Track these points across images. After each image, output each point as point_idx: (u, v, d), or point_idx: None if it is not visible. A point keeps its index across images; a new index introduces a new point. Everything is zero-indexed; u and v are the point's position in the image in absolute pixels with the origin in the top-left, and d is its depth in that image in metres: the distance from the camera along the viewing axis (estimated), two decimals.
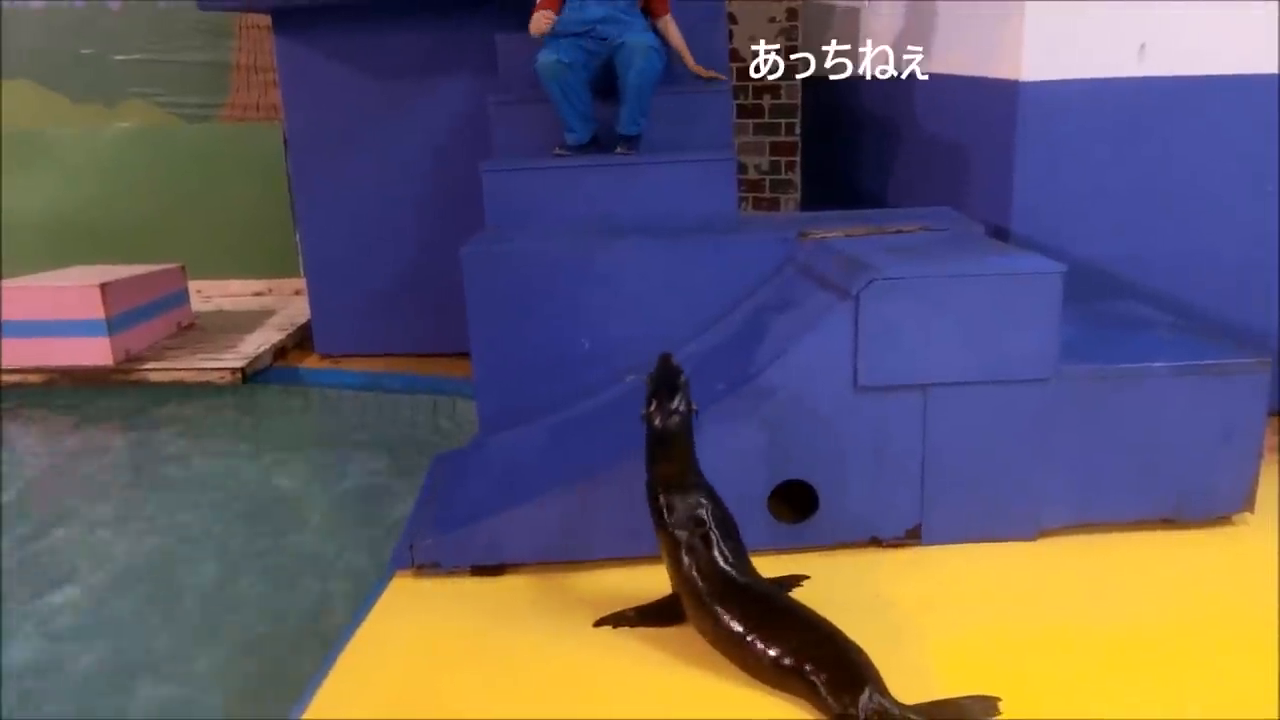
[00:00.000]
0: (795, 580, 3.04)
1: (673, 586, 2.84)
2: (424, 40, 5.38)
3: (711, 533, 2.74)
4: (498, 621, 2.98)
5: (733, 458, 3.17)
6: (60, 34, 7.29)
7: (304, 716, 2.55)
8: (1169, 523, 3.34)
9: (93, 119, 7.44)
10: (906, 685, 2.44)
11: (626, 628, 2.90)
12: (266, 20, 6.05)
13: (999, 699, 2.43)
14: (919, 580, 3.12)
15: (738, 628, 2.63)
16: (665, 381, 2.79)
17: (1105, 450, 3.26)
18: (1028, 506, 3.29)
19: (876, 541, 3.31)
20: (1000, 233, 4.03)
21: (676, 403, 2.76)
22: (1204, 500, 3.33)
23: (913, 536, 3.30)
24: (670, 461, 2.78)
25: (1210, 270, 4.05)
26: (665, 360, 2.86)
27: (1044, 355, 3.16)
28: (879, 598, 3.01)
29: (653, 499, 2.81)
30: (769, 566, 3.14)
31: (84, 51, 7.32)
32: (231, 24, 7.13)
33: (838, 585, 3.07)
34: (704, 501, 2.78)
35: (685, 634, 2.81)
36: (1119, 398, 3.22)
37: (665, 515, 2.77)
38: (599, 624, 2.92)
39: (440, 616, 3.03)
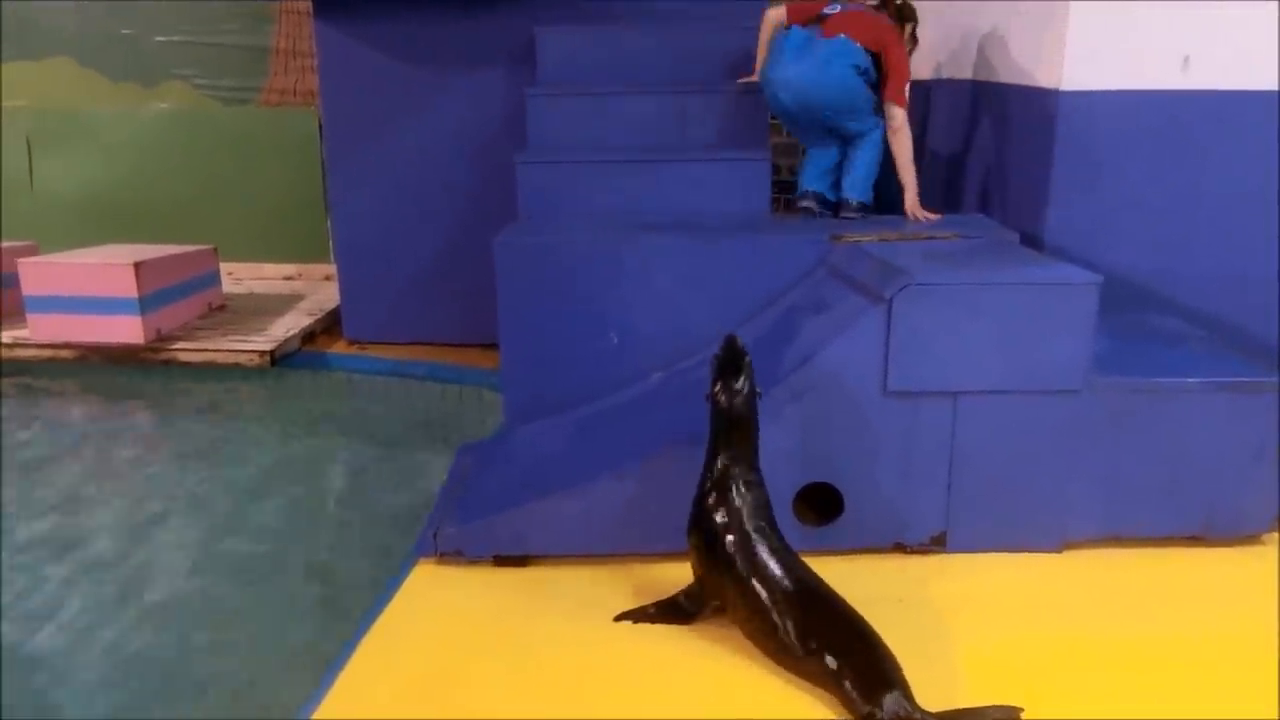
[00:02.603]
0: None
1: (702, 570, 2.83)
2: (463, 30, 5.39)
3: (758, 518, 2.75)
4: (519, 612, 2.99)
5: (760, 457, 3.17)
6: (101, 14, 7.35)
7: (324, 702, 2.57)
8: (1196, 540, 3.31)
9: (131, 99, 7.50)
10: (928, 692, 2.43)
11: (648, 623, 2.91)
12: (307, 5, 6.08)
13: (1020, 709, 2.43)
14: (943, 587, 3.11)
15: (772, 614, 2.62)
16: (730, 362, 2.79)
17: (1134, 464, 3.24)
18: (1054, 517, 3.28)
19: (901, 547, 3.30)
20: (1034, 242, 4.00)
21: (741, 383, 2.76)
22: (1232, 518, 3.30)
23: (937, 543, 3.29)
24: (734, 444, 2.79)
25: (1246, 287, 4.00)
26: (730, 340, 2.83)
27: (1076, 366, 3.14)
28: (902, 603, 3.00)
29: (708, 478, 2.80)
30: None
31: (124, 32, 7.38)
32: (272, 8, 7.18)
33: (860, 589, 3.05)
34: (754, 488, 2.78)
35: (709, 627, 2.83)
36: (1150, 412, 3.20)
37: (712, 495, 2.78)
38: (619, 619, 2.93)
39: (462, 605, 3.04)
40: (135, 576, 3.57)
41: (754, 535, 2.73)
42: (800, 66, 4.20)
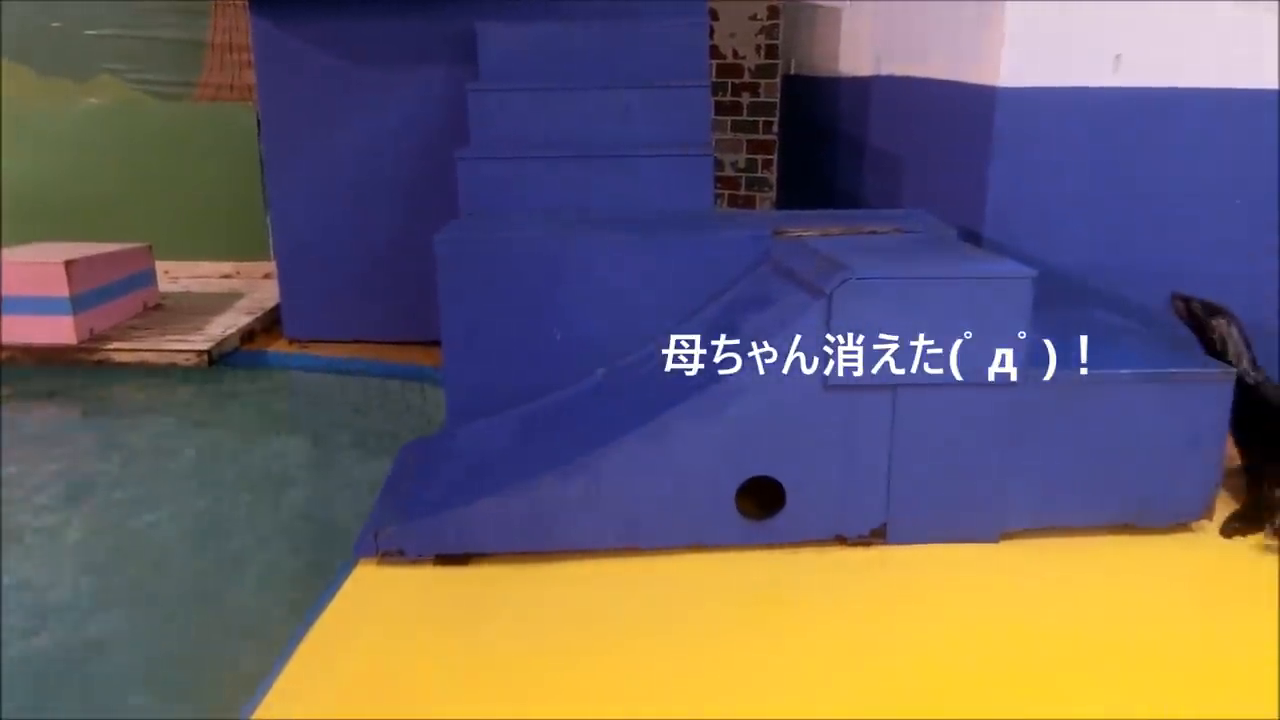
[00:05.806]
0: None
1: None
2: (403, 25, 5.34)
3: None
4: (462, 612, 2.97)
5: (701, 453, 3.18)
6: (28, 8, 7.16)
7: (263, 703, 2.52)
8: (1130, 528, 3.37)
9: (61, 94, 7.32)
10: (868, 683, 2.45)
11: None
12: None
13: None
14: (882, 579, 3.14)
15: None
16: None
17: (1070, 455, 3.29)
18: (992, 509, 3.32)
19: (842, 539, 3.32)
20: (973, 237, 4.05)
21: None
22: (1165, 507, 3.37)
23: (878, 535, 3.32)
24: None
25: (1179, 282, 4.08)
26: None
27: (1012, 359, 3.18)
28: (843, 594, 3.02)
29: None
30: (733, 563, 3.17)
31: (53, 25, 7.20)
32: (207, 2, 7.05)
33: (802, 582, 3.08)
34: None
35: (647, 622, 2.81)
36: (1085, 404, 3.25)
37: None
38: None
39: (404, 607, 3.01)
40: (69, 575, 3.49)
41: None
42: None
